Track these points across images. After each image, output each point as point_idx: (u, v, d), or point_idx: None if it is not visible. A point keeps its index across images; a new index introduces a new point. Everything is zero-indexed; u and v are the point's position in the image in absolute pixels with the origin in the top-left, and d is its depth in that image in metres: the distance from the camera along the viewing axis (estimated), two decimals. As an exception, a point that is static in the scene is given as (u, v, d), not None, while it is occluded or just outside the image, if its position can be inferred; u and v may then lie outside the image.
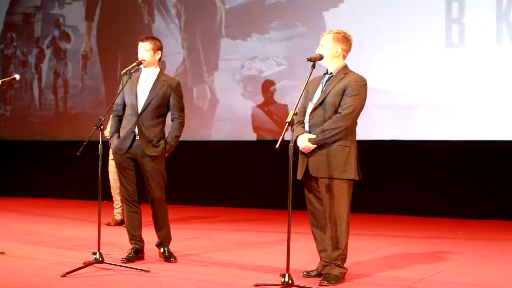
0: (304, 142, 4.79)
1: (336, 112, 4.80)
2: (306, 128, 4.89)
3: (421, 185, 9.62)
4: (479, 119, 9.22)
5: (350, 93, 4.79)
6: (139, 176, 5.77)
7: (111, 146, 5.81)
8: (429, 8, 9.52)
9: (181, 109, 5.81)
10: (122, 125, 5.75)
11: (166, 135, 5.79)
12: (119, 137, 5.72)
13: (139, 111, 5.65)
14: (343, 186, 4.77)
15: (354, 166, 4.82)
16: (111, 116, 5.91)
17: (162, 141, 5.69)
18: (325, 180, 4.78)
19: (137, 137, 5.63)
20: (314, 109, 4.87)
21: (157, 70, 5.80)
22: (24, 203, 11.70)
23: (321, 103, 4.85)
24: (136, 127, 5.64)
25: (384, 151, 9.81)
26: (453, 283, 4.81)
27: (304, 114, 4.95)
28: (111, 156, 8.25)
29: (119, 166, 5.76)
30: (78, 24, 12.88)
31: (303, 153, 4.88)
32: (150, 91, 5.68)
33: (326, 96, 4.84)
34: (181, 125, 5.81)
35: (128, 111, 5.73)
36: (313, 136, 4.79)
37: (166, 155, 5.74)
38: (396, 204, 9.74)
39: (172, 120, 5.81)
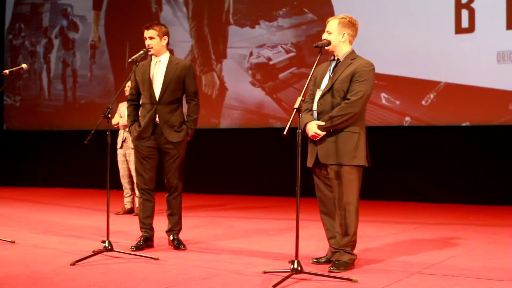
0: (313, 129, 4.77)
1: (344, 98, 4.76)
2: (315, 115, 4.86)
3: (431, 171, 9.59)
4: (488, 104, 9.16)
5: (358, 79, 4.75)
6: (158, 164, 5.77)
7: (131, 135, 5.81)
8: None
9: (196, 91, 5.84)
10: (141, 114, 5.75)
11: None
12: (139, 125, 5.71)
13: (157, 97, 5.65)
14: (352, 172, 4.75)
15: (364, 153, 4.79)
16: (127, 105, 5.91)
17: (183, 126, 5.72)
18: (334, 167, 4.76)
19: (158, 124, 5.65)
20: (322, 96, 4.84)
21: (167, 55, 5.80)
22: (34, 192, 11.76)
23: (329, 90, 4.82)
24: (157, 114, 5.64)
25: (393, 137, 9.78)
26: (463, 269, 4.78)
27: (313, 101, 4.92)
28: (118, 145, 8.26)
29: (139, 154, 5.74)
30: (86, 14, 12.88)
31: (312, 140, 4.86)
32: (165, 76, 5.68)
33: (334, 82, 4.81)
34: (198, 106, 5.84)
35: (144, 99, 5.73)
36: (322, 123, 4.76)
37: (188, 139, 5.75)
38: (405, 191, 9.72)
39: (188, 103, 5.83)
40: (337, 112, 4.72)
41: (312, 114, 4.88)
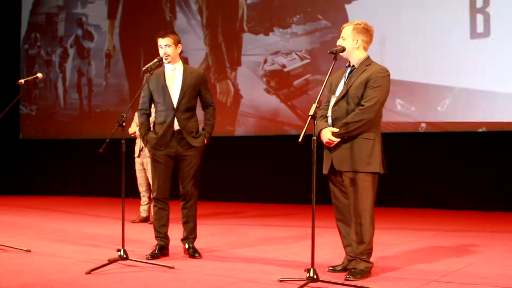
0: (327, 135, 4.74)
1: (359, 104, 4.74)
2: (329, 121, 4.84)
3: (447, 178, 9.52)
4: (505, 110, 9.08)
5: (372, 84, 4.73)
6: (173, 173, 5.77)
7: (147, 144, 5.80)
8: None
9: (211, 97, 5.94)
10: (158, 121, 5.74)
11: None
12: (155, 133, 5.71)
13: (175, 105, 5.66)
14: (367, 179, 4.71)
15: (379, 159, 4.76)
16: (138, 114, 5.89)
17: (200, 132, 5.77)
18: (349, 174, 4.73)
19: (176, 132, 5.66)
20: (336, 102, 4.82)
21: (181, 63, 5.82)
22: (49, 201, 11.80)
23: (343, 96, 4.80)
24: (176, 121, 5.65)
25: (410, 144, 9.73)
26: (481, 277, 4.73)
27: (328, 108, 4.90)
28: (136, 154, 8.28)
29: (155, 162, 5.74)
30: (100, 23, 12.94)
31: (327, 147, 4.83)
32: (183, 83, 5.71)
33: (348, 88, 4.79)
34: (215, 111, 5.93)
35: (160, 107, 5.73)
36: (336, 130, 4.74)
37: (205, 141, 5.78)
38: (422, 198, 9.66)
39: (206, 108, 5.90)
40: (351, 119, 4.69)
41: (327, 121, 4.86)
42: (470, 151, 9.40)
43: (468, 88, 9.31)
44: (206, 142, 5.79)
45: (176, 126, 5.67)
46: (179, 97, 5.68)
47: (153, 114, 6.01)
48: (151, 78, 5.72)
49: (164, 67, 5.79)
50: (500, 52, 9.10)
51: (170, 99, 5.68)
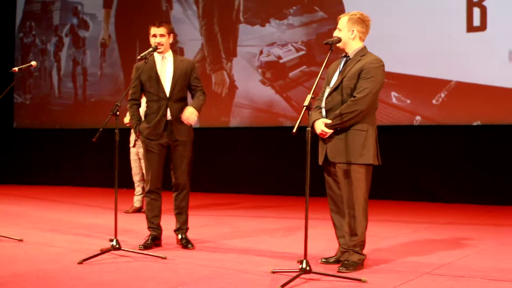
0: (320, 127, 4.72)
1: (351, 95, 4.71)
2: (323, 112, 4.82)
3: (441, 171, 9.52)
4: (500, 103, 9.08)
5: (365, 75, 4.70)
6: (165, 163, 5.75)
7: (139, 134, 5.75)
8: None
9: (202, 87, 5.86)
10: (150, 111, 5.70)
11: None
12: (147, 123, 5.67)
13: (168, 93, 5.64)
14: (360, 171, 4.70)
15: (373, 151, 4.74)
16: (129, 105, 5.83)
17: (188, 107, 5.68)
18: (342, 165, 4.72)
19: (169, 121, 5.63)
20: (330, 93, 4.80)
21: (171, 52, 5.80)
22: (43, 190, 11.78)
23: (337, 87, 4.78)
24: (168, 110, 5.63)
25: (404, 136, 9.72)
26: (474, 270, 4.73)
27: (323, 99, 4.88)
28: (131, 144, 8.25)
29: (148, 152, 5.70)
30: (96, 12, 12.88)
31: (322, 138, 4.82)
32: (174, 72, 5.69)
33: (342, 79, 4.76)
34: (205, 95, 5.85)
35: (150, 96, 5.70)
36: (329, 121, 4.72)
37: (196, 113, 5.63)
38: (416, 190, 9.66)
39: (195, 93, 5.80)
40: (343, 110, 4.68)
41: (321, 112, 4.84)
42: (465, 144, 9.40)
43: (464, 81, 9.30)
44: (197, 113, 5.64)
45: (169, 115, 5.64)
46: (171, 86, 5.66)
47: (143, 105, 5.97)
48: (141, 68, 5.66)
49: (153, 57, 5.75)
50: (496, 45, 9.09)
51: (163, 88, 5.65)
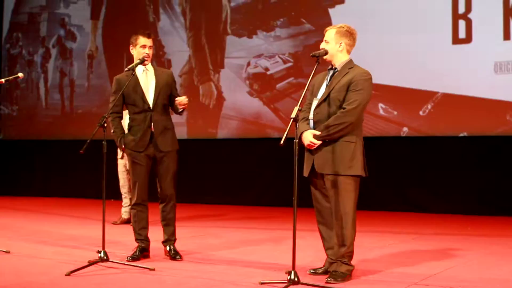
0: (309, 138, 4.74)
1: (340, 107, 4.74)
2: (311, 124, 4.84)
3: (428, 181, 9.57)
4: (486, 115, 9.15)
5: (354, 88, 4.73)
6: (151, 174, 5.74)
7: (124, 147, 5.71)
8: (436, 3, 9.47)
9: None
10: (134, 123, 5.68)
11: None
12: (132, 135, 5.66)
13: (151, 104, 5.64)
14: (349, 182, 4.72)
15: (360, 162, 4.76)
16: (111, 118, 5.72)
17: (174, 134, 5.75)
18: (330, 177, 4.73)
19: (154, 132, 5.63)
20: (318, 105, 4.82)
21: (150, 64, 5.80)
22: (31, 202, 11.71)
23: (325, 99, 4.80)
24: (152, 122, 5.63)
25: (391, 148, 9.76)
26: (461, 280, 4.75)
27: (310, 110, 4.90)
28: (119, 155, 8.23)
29: (134, 165, 5.69)
30: (83, 23, 12.88)
31: (309, 149, 4.83)
32: (157, 83, 5.69)
33: (330, 91, 4.79)
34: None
35: (133, 109, 5.69)
36: (318, 133, 4.74)
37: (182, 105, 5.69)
38: (403, 201, 9.70)
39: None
40: (332, 121, 4.70)
41: (308, 123, 4.86)
42: (451, 155, 9.46)
43: (450, 93, 9.38)
44: (183, 105, 5.69)
45: (153, 127, 5.64)
46: (154, 97, 5.66)
47: (125, 117, 5.96)
48: (123, 80, 5.64)
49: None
50: (481, 57, 9.17)
51: (146, 100, 5.65)
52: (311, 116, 4.86)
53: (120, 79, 5.68)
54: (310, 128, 4.82)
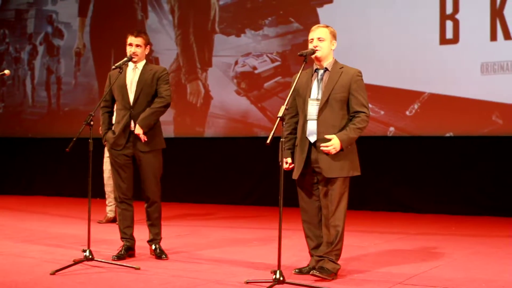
0: (337, 146, 4.72)
1: (343, 107, 4.79)
2: (314, 125, 4.78)
3: (414, 181, 9.59)
4: (472, 115, 9.19)
5: (357, 89, 4.80)
6: (134, 173, 5.72)
7: (106, 143, 5.73)
8: (423, 3, 9.49)
9: (168, 93, 5.70)
10: (116, 120, 5.71)
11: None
12: (113, 133, 5.66)
13: (131, 102, 5.61)
14: (347, 183, 4.81)
15: (358, 162, 4.90)
16: (101, 112, 5.83)
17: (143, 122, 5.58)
18: (335, 179, 4.75)
19: (133, 132, 5.59)
20: (321, 108, 4.77)
21: (143, 62, 5.76)
22: (16, 200, 11.65)
23: (327, 100, 4.78)
24: (132, 120, 5.60)
25: (377, 147, 9.77)
26: (446, 279, 4.77)
27: (295, 110, 4.90)
28: (106, 154, 8.19)
29: (114, 163, 5.68)
30: (71, 21, 12.81)
31: (302, 152, 4.79)
32: (139, 80, 5.66)
33: (331, 92, 4.77)
34: (164, 102, 5.65)
35: (118, 105, 5.70)
36: (345, 137, 4.74)
37: (140, 130, 5.52)
38: (389, 201, 9.72)
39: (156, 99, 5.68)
40: (359, 124, 4.81)
41: (305, 123, 4.79)
42: (437, 155, 9.49)
43: (437, 93, 9.41)
44: (141, 131, 5.53)
45: (133, 125, 5.61)
46: (134, 95, 5.63)
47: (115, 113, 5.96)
48: (114, 76, 5.66)
49: (127, 66, 5.73)
50: (468, 58, 9.20)
51: (128, 97, 5.64)
52: (313, 116, 4.78)
53: (112, 74, 5.71)
54: (310, 130, 4.78)
